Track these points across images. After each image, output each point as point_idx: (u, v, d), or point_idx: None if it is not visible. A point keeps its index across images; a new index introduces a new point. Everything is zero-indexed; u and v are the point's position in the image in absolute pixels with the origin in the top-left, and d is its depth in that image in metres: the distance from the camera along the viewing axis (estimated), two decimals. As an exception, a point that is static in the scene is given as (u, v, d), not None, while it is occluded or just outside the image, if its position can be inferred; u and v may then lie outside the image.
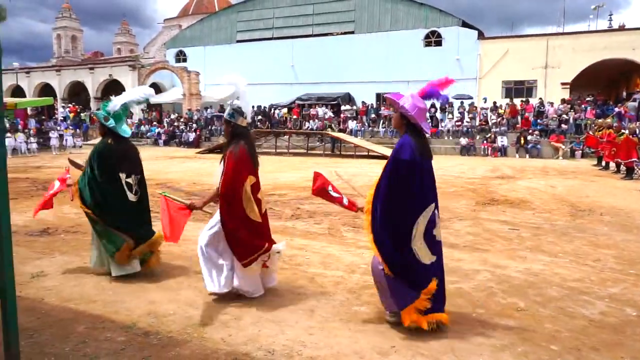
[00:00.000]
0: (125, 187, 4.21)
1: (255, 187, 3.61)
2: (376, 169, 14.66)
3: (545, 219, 7.10)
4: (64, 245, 5.30)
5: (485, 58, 25.97)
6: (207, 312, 3.50)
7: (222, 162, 3.63)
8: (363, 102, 26.28)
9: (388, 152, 19.79)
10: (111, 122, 4.26)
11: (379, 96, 28.39)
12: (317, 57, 29.70)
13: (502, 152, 20.68)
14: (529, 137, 20.58)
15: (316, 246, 5.43)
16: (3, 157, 2.23)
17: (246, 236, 3.57)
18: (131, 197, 4.24)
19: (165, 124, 29.76)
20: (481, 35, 26.57)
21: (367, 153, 20.19)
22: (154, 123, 30.24)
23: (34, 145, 22.36)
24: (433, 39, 27.29)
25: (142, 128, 30.05)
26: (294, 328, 3.22)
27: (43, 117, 29.08)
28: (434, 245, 3.08)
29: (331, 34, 30.21)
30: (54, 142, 22.96)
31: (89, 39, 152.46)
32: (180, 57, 35.48)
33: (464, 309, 3.61)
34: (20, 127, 23.81)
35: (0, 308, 2.29)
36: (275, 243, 3.78)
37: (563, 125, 20.94)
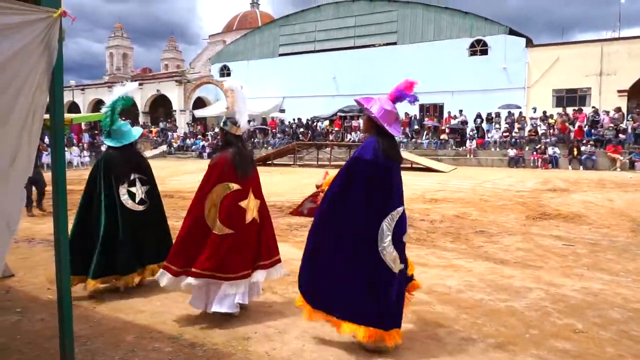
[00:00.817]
0: (127, 197, 4.18)
1: (237, 195, 3.57)
2: (420, 182, 14.49)
3: (604, 234, 6.75)
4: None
5: (534, 66, 25.19)
6: (252, 324, 3.53)
7: None
8: (406, 114, 26.07)
9: (432, 164, 19.50)
10: (103, 137, 4.39)
11: (422, 107, 28.05)
12: (359, 68, 29.79)
13: (553, 163, 19.87)
14: (582, 148, 19.71)
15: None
16: (63, 171, 2.35)
17: (187, 243, 3.52)
18: (133, 205, 4.19)
19: (210, 137, 30.60)
20: (529, 43, 25.84)
21: (410, 166, 19.93)
22: (199, 136, 31.19)
23: (87, 159, 23.59)
24: (478, 48, 26.79)
25: (187, 141, 31.06)
26: (340, 345, 3.19)
27: (96, 132, 30.63)
28: (404, 253, 3.03)
29: (373, 45, 30.27)
30: (105, 155, 24.05)
31: (139, 56, 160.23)
32: (225, 71, 36.52)
33: (516, 329, 3.46)
34: (74, 141, 25.20)
35: (58, 315, 2.40)
36: (245, 272, 3.55)
37: (621, 135, 19.93)
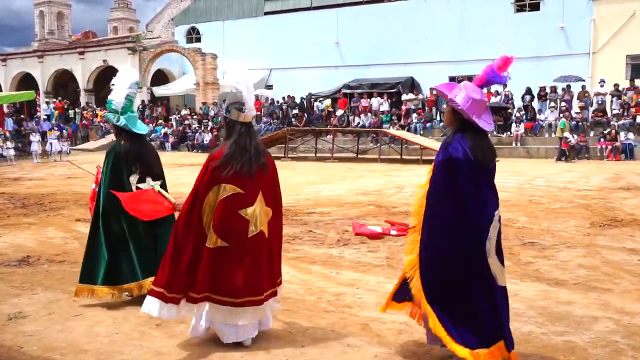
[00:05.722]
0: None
1: (237, 200, 3.72)
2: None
3: (693, 246, 6.77)
4: (48, 279, 5.52)
5: (602, 25, 25.18)
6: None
7: None
8: (431, 89, 26.05)
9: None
10: (122, 121, 4.85)
11: (453, 81, 27.97)
12: (369, 31, 29.75)
13: (627, 153, 19.92)
14: (666, 133, 19.78)
15: (371, 282, 5.40)
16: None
17: (180, 261, 3.76)
18: None
19: (174, 123, 30.58)
20: (595, -5, 25.84)
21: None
22: (160, 121, 31.15)
23: (11, 152, 23.53)
24: (527, 2, 26.79)
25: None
26: None
27: (22, 116, 30.60)
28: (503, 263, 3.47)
29: (388, -1, 30.25)
30: (36, 147, 24.08)
31: (79, 16, 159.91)
32: (193, 35, 36.48)
33: (576, 370, 3.49)
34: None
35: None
36: (257, 297, 3.76)
37: None
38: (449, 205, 3.28)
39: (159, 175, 4.98)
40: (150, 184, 4.82)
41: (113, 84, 5.01)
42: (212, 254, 3.70)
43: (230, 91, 4.01)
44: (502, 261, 3.43)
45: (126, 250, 4.74)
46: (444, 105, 18.85)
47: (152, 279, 4.57)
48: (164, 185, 4.97)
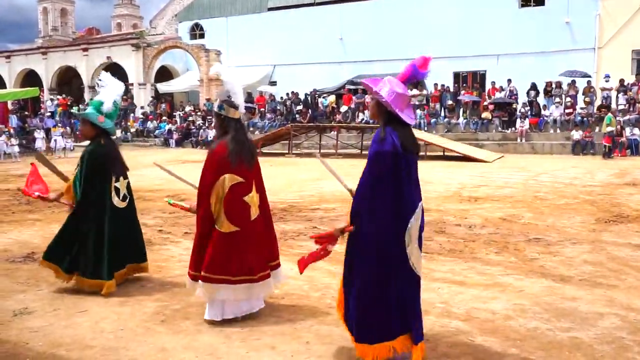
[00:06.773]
0: (113, 193, 5.12)
1: (241, 188, 4.22)
2: (455, 174, 14.45)
3: (699, 242, 6.76)
4: (53, 275, 5.53)
5: (608, 20, 25.08)
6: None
7: None
8: (436, 85, 26.03)
9: (471, 151, 19.49)
10: (107, 124, 5.12)
11: (457, 76, 27.97)
12: (373, 26, 29.71)
13: (633, 149, 19.87)
14: (672, 129, 19.71)
15: (375, 278, 5.39)
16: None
17: (199, 244, 4.25)
18: (118, 202, 5.15)
19: (178, 119, 30.59)
20: (601, -11, 25.74)
21: (442, 153, 19.91)
22: (164, 118, 31.17)
23: (16, 148, 23.53)
24: (532, -4, 26.74)
25: (149, 124, 31.01)
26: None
27: (26, 113, 30.67)
28: (420, 253, 3.54)
29: (392, -6, 30.16)
30: (40, 143, 24.13)
31: (82, 12, 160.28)
32: (197, 32, 36.49)
33: (582, 367, 3.48)
34: (-1, 125, 25.19)
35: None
36: (263, 273, 4.30)
37: None
38: (377, 195, 3.37)
39: (125, 174, 5.32)
40: (120, 182, 5.21)
41: (100, 80, 5.33)
42: (226, 239, 4.15)
43: (221, 89, 4.44)
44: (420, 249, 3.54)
45: (97, 246, 4.99)
46: (449, 101, 18.87)
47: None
48: (129, 185, 5.37)
